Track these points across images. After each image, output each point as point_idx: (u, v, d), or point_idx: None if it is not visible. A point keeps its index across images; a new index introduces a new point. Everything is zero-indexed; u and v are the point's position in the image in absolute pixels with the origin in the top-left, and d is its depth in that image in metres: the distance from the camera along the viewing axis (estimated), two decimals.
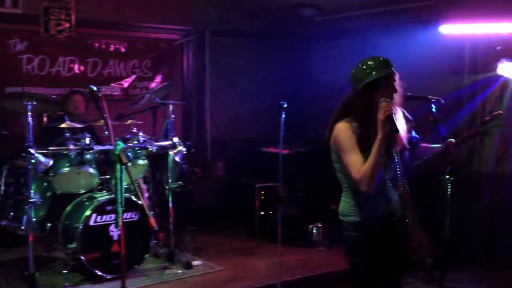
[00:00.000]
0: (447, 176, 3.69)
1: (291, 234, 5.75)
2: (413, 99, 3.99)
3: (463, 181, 4.59)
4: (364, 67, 2.76)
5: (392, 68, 2.78)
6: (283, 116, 4.44)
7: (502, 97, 5.07)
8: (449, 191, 3.77)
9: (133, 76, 6.61)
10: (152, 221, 2.90)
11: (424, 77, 5.33)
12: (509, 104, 5.00)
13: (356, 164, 2.66)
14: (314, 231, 5.85)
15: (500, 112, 3.87)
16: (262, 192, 6.19)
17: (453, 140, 3.84)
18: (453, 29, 5.17)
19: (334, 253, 5.40)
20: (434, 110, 3.82)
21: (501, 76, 4.76)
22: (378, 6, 5.54)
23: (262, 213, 6.16)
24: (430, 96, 3.88)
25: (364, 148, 2.68)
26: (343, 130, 2.74)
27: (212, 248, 5.70)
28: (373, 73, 2.71)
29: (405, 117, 4.18)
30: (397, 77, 3.99)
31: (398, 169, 2.86)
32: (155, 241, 4.99)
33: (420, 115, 4.22)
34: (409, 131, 4.16)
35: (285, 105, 4.42)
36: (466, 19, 5.06)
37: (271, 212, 6.09)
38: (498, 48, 4.97)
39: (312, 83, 7.02)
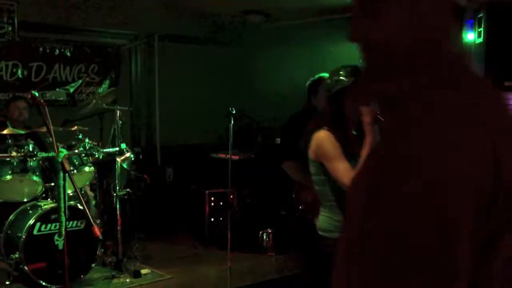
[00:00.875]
0: None
1: (241, 240, 5.74)
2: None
3: None
4: (336, 75, 2.76)
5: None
6: (232, 122, 4.45)
7: None
8: None
9: (80, 81, 6.48)
10: (96, 230, 2.84)
11: None
12: None
13: (347, 171, 2.55)
14: (265, 236, 5.87)
15: None
16: (212, 199, 6.17)
17: None
18: None
19: (284, 259, 5.44)
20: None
21: None
22: (325, 14, 5.61)
23: (212, 219, 6.14)
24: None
25: (348, 156, 2.60)
26: (325, 138, 2.66)
27: (161, 256, 5.63)
28: (345, 80, 2.69)
29: None
30: None
31: None
32: (103, 250, 4.90)
33: None
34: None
35: (234, 111, 4.43)
36: None
37: (221, 219, 6.07)
38: None
39: (260, 89, 7.06)
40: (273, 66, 6.83)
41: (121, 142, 4.98)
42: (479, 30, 4.29)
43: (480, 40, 4.27)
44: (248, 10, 5.90)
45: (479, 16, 4.27)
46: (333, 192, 2.72)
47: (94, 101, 5.23)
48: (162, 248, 5.89)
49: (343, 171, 2.57)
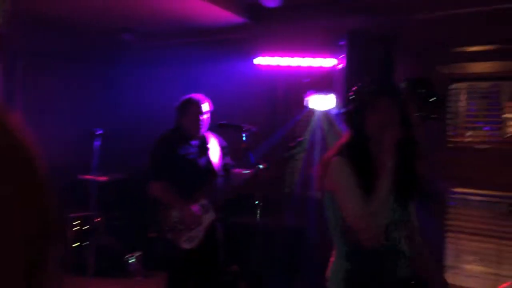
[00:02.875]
0: (257, 201, 3.83)
1: (108, 265, 5.54)
2: (227, 127, 4.10)
3: (274, 205, 4.82)
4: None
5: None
6: (98, 143, 4.29)
7: (308, 125, 5.44)
8: (258, 215, 3.91)
9: None
10: None
11: (241, 106, 5.54)
12: (313, 132, 5.38)
13: (354, 206, 2.20)
14: (132, 260, 5.69)
15: (303, 139, 4.13)
16: (77, 222, 5.88)
17: (263, 165, 4.01)
18: (267, 61, 5.45)
19: (151, 282, 5.31)
20: (245, 137, 3.96)
21: (308, 106, 5.11)
22: (196, 36, 5.65)
23: (76, 244, 5.83)
24: (242, 125, 4.02)
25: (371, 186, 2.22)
26: (336, 166, 2.28)
27: None
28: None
29: (220, 144, 4.31)
30: (206, 106, 4.13)
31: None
32: None
33: (234, 142, 4.37)
34: (223, 158, 4.28)
35: (100, 132, 4.28)
36: (278, 52, 5.37)
37: (85, 243, 5.79)
38: (306, 80, 5.33)
39: (132, 110, 6.91)
40: (143, 85, 6.73)
41: None
42: (341, 56, 4.52)
43: (342, 66, 4.50)
44: (119, 27, 5.77)
45: (341, 44, 4.50)
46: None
47: None
48: None
49: (349, 205, 2.22)
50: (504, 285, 4.59)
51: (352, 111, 2.29)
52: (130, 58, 6.58)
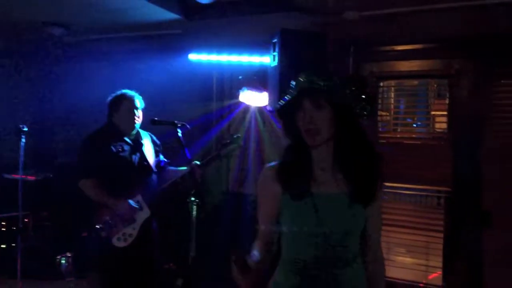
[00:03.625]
0: (193, 198, 3.80)
1: (37, 267, 5.36)
2: (160, 124, 4.04)
3: (210, 202, 4.80)
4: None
5: None
6: (23, 140, 4.14)
7: (243, 122, 5.45)
8: (194, 213, 3.88)
9: None
10: None
11: (175, 103, 5.49)
12: (248, 128, 5.40)
13: (262, 221, 2.15)
14: (63, 261, 5.52)
15: (239, 135, 4.13)
16: (3, 224, 5.65)
17: (198, 162, 3.98)
18: (201, 58, 5.42)
19: (84, 283, 5.17)
20: (180, 134, 3.91)
21: (243, 102, 5.12)
22: (127, 30, 5.53)
23: (3, 246, 5.61)
24: (176, 121, 3.97)
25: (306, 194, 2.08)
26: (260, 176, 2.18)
27: None
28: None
29: (153, 141, 4.24)
30: (140, 102, 4.06)
31: None
32: None
33: (168, 139, 4.32)
34: (157, 155, 4.22)
35: (25, 129, 4.13)
36: (212, 49, 5.35)
37: (13, 245, 5.57)
38: (240, 77, 5.35)
39: (63, 106, 6.70)
40: (74, 81, 6.54)
41: None
42: (274, 54, 4.55)
43: (275, 63, 4.52)
44: (47, 22, 5.56)
45: (274, 41, 4.53)
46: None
47: None
48: None
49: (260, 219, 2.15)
50: (433, 275, 4.78)
51: (280, 112, 2.14)
52: (59, 53, 6.37)
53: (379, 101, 4.99)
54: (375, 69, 4.89)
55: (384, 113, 5.11)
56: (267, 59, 4.87)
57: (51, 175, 6.21)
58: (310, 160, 2.08)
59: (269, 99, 4.69)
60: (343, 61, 4.82)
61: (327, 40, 4.55)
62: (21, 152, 4.21)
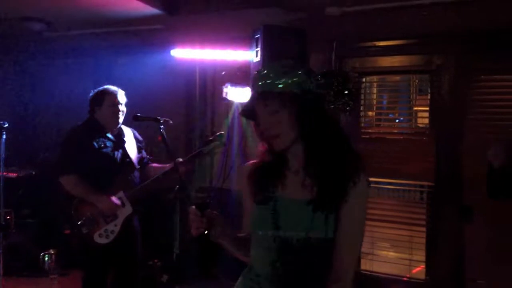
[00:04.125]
0: (175, 195, 3.79)
1: (20, 264, 5.34)
2: (143, 120, 4.02)
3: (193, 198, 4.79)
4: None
5: None
6: (4, 136, 4.10)
7: (226, 117, 5.45)
8: (178, 209, 3.88)
9: None
10: None
11: (157, 99, 5.46)
12: (231, 125, 5.40)
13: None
14: (46, 258, 5.49)
15: (221, 132, 4.13)
16: None
17: (181, 159, 3.98)
18: (184, 54, 5.39)
19: (67, 280, 5.17)
20: (162, 130, 3.89)
21: (226, 99, 5.11)
22: (107, 26, 5.48)
23: None
24: (159, 117, 3.95)
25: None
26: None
27: None
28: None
29: (135, 138, 4.22)
30: (123, 98, 4.04)
31: None
32: None
33: (151, 135, 4.30)
34: (139, 152, 4.21)
35: (6, 125, 4.09)
36: (195, 45, 5.32)
37: None
38: (223, 73, 5.34)
39: (43, 102, 6.64)
40: (55, 77, 6.48)
41: None
42: (256, 49, 4.55)
43: (258, 59, 4.52)
44: (26, 17, 5.49)
45: (256, 36, 4.53)
46: None
47: None
48: None
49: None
50: (416, 269, 4.83)
51: (245, 116, 2.05)
52: (39, 49, 6.31)
53: (362, 97, 5.02)
54: (357, 65, 4.91)
55: (366, 109, 5.13)
56: (250, 55, 4.86)
57: (33, 172, 6.16)
58: (283, 162, 1.95)
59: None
60: (326, 57, 4.83)
61: (310, 36, 4.56)
62: (2, 149, 4.17)
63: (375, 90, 5.15)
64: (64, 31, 5.77)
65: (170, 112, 4.51)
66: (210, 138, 4.04)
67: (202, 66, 5.67)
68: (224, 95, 5.05)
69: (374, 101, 5.15)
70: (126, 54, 5.86)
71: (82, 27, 5.62)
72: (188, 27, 5.36)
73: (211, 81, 5.73)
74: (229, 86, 4.98)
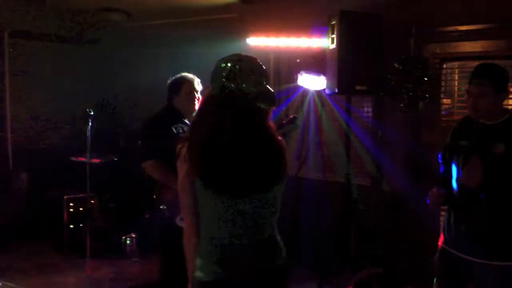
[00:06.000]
0: None
1: (103, 247, 5.57)
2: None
3: None
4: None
5: None
6: (90, 124, 4.28)
7: (302, 105, 5.44)
8: None
9: None
10: None
11: None
12: (307, 111, 5.38)
13: None
14: (127, 242, 5.72)
15: (295, 115, 4.11)
16: (71, 204, 5.89)
17: None
18: (259, 42, 5.42)
19: (147, 263, 5.35)
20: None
21: (301, 86, 5.10)
22: (186, 15, 5.59)
23: (71, 226, 5.86)
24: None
25: None
26: None
27: (16, 267, 5.30)
28: None
29: None
30: (199, 85, 4.11)
31: None
32: None
33: None
34: None
35: (92, 113, 4.26)
36: (269, 33, 5.34)
37: (81, 225, 5.80)
38: (298, 60, 5.32)
39: (123, 91, 6.88)
40: (135, 66, 6.69)
41: None
42: (332, 36, 4.50)
43: (333, 46, 4.47)
44: (108, 8, 5.71)
45: (332, 23, 4.48)
46: None
47: None
48: (18, 259, 5.53)
49: None
50: None
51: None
52: (121, 39, 6.53)
53: (442, 84, 4.85)
54: (437, 50, 4.75)
55: (446, 96, 4.96)
56: (325, 42, 4.82)
57: (115, 158, 6.40)
58: None
59: (327, 82, 4.65)
60: (404, 43, 4.71)
61: (387, 21, 4.46)
62: (89, 136, 4.35)
63: (456, 77, 4.96)
64: (143, 21, 5.93)
65: None
66: (284, 121, 4.03)
67: (276, 54, 5.68)
68: (298, 82, 5.05)
69: (455, 88, 4.96)
70: (201, 42, 5.96)
71: (160, 17, 5.76)
72: (262, 15, 5.38)
73: (286, 68, 5.73)
74: (304, 74, 4.96)
